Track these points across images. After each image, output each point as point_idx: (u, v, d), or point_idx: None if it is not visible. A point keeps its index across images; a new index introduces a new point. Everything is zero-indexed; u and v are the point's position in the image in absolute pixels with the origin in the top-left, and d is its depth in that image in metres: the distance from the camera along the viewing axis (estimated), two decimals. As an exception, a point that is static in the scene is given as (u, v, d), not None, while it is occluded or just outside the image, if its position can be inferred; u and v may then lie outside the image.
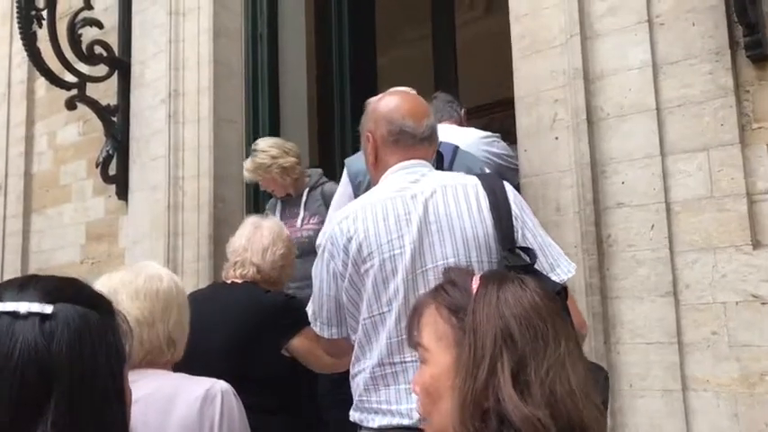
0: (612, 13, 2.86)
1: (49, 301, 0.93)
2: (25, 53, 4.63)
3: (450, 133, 3.17)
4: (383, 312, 1.74)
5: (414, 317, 1.22)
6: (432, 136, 1.96)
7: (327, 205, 3.60)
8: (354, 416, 1.81)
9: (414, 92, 2.09)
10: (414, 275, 1.71)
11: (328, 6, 5.04)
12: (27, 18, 4.42)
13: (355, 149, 4.52)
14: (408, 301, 1.65)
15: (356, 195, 2.60)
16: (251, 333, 2.51)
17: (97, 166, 4.82)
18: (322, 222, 3.59)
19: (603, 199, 2.78)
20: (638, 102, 2.75)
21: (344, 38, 4.96)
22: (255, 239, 2.71)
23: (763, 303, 2.46)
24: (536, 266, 1.67)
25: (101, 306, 1.00)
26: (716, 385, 2.51)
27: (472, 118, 4.28)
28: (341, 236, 1.80)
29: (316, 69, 5.31)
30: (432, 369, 1.15)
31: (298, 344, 2.55)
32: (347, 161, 2.79)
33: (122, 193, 4.85)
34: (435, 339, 1.15)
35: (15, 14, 4.55)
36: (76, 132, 5.46)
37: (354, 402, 1.82)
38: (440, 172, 1.98)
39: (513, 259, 1.67)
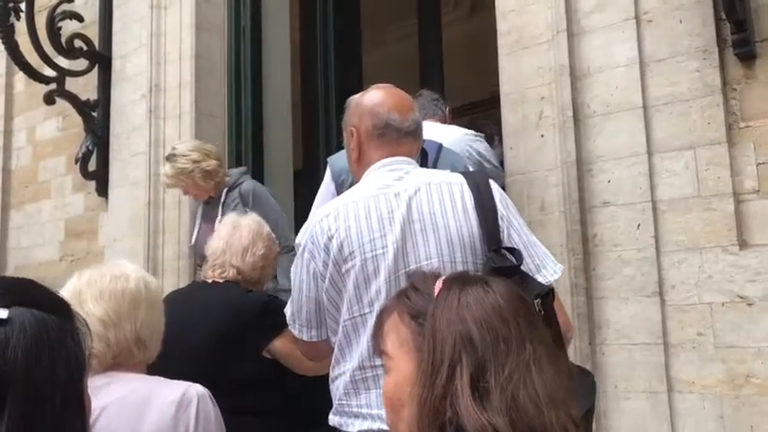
0: (600, 9, 2.83)
1: (4, 305, 0.88)
2: (2, 46, 4.53)
3: (434, 131, 3.13)
4: (364, 314, 1.68)
5: (378, 323, 1.18)
6: (417, 131, 1.90)
7: (245, 204, 3.57)
8: (334, 420, 1.75)
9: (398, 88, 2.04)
10: (396, 276, 1.65)
11: (313, 1, 4.99)
12: (4, 10, 4.33)
13: (340, 146, 4.46)
14: None
15: (339, 194, 2.55)
16: (232, 334, 2.46)
17: (77, 162, 4.74)
18: None
19: (589, 198, 2.75)
20: (625, 99, 2.72)
21: (329, 34, 4.91)
22: (234, 240, 2.65)
23: (750, 304, 2.44)
24: (522, 267, 1.63)
25: (59, 310, 0.94)
26: (701, 387, 2.49)
27: (458, 116, 4.25)
28: (321, 234, 1.74)
29: (300, 65, 5.25)
30: (394, 377, 1.12)
31: (279, 345, 2.50)
32: (330, 159, 2.74)
33: (102, 189, 4.77)
34: (398, 346, 1.12)
35: (-8, 6, 4.45)
36: (56, 128, 5.38)
37: (334, 406, 1.76)
38: (424, 169, 1.92)
39: (499, 260, 1.62)
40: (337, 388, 1.74)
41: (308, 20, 5.13)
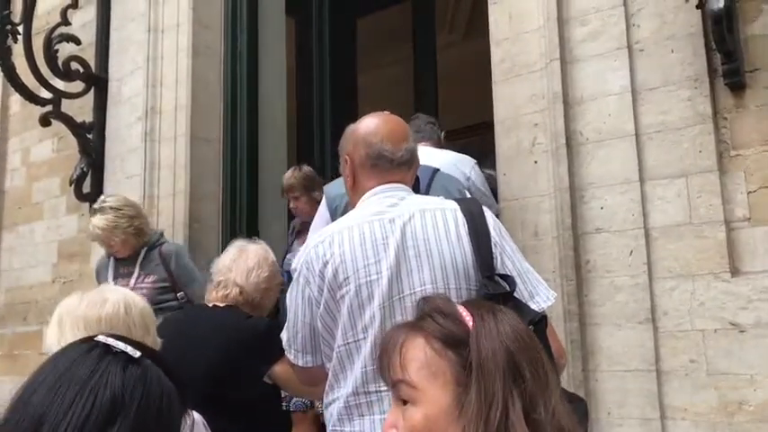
0: (593, 38, 2.87)
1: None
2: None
3: (428, 154, 3.15)
4: (358, 340, 1.68)
5: (391, 349, 1.10)
6: (411, 160, 1.91)
7: (166, 266, 3.59)
8: None
9: (394, 115, 2.05)
10: (390, 302, 1.66)
11: (309, 26, 5.04)
12: (2, 33, 4.35)
13: (335, 169, 4.49)
14: (385, 329, 1.59)
15: (333, 220, 2.57)
16: (232, 358, 2.45)
17: (71, 184, 4.74)
18: (157, 282, 3.56)
19: (582, 224, 2.77)
20: (617, 127, 2.75)
21: (325, 58, 4.96)
22: (240, 261, 2.66)
23: (742, 331, 2.45)
24: (515, 294, 1.64)
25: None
26: (694, 414, 2.49)
27: (452, 140, 4.28)
28: (317, 260, 1.75)
29: (296, 89, 5.29)
30: (426, 409, 1.02)
31: (280, 370, 2.49)
32: (325, 188, 2.76)
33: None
34: (428, 376, 1.03)
35: (-10, 29, 4.48)
36: (51, 149, 5.39)
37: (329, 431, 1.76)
38: (419, 196, 1.93)
39: (493, 287, 1.63)
40: (331, 414, 1.74)
41: (304, 44, 5.19)
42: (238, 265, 2.64)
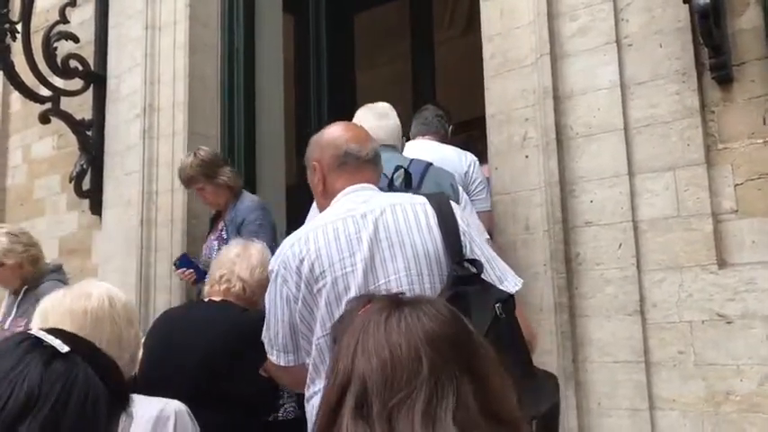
0: (582, 33, 2.89)
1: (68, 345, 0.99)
2: (-1, 66, 4.59)
3: (425, 149, 3.17)
4: None
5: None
6: (375, 159, 2.00)
7: None
8: None
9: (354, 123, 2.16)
10: (367, 291, 1.70)
11: (306, 22, 5.06)
12: (1, 31, 4.39)
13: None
14: None
15: None
16: (227, 352, 2.48)
17: (71, 181, 4.78)
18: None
19: (572, 218, 2.79)
20: (607, 121, 2.77)
21: (322, 54, 4.98)
22: (244, 258, 2.70)
23: (729, 323, 2.48)
24: (484, 277, 1.72)
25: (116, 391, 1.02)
26: (682, 404, 2.52)
27: (452, 134, 4.29)
28: (293, 258, 1.81)
29: (294, 86, 5.32)
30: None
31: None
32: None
33: (96, 208, 4.82)
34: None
35: (-11, 27, 4.51)
36: (51, 146, 5.43)
37: (310, 428, 1.77)
38: (388, 193, 2.02)
39: (462, 270, 1.72)
40: (313, 407, 1.78)
41: (301, 40, 5.21)
42: (242, 261, 2.67)
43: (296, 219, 4.19)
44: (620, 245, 2.68)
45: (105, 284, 1.75)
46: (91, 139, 4.82)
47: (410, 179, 2.41)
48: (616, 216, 2.71)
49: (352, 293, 1.72)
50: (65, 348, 0.97)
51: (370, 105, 2.85)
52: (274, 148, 4.85)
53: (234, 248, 2.76)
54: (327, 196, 1.96)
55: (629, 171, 2.71)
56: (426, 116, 3.54)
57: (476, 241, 1.83)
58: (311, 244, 1.80)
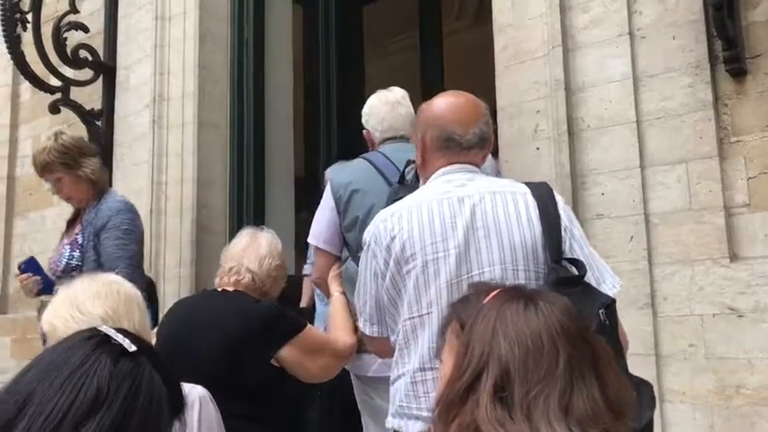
0: (595, 25, 2.88)
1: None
2: (9, 56, 4.59)
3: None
4: (422, 315, 1.70)
5: (440, 331, 1.25)
6: (481, 142, 1.88)
7: None
8: (393, 422, 1.75)
9: (467, 94, 1.96)
10: (459, 280, 1.67)
11: (316, 13, 5.05)
12: (11, 21, 4.39)
13: (341, 156, 4.53)
14: None
15: (338, 209, 2.59)
16: (240, 341, 2.48)
17: (80, 171, 4.78)
18: None
19: (583, 210, 2.79)
20: (619, 114, 2.77)
21: (331, 45, 4.97)
22: (253, 248, 2.69)
23: (740, 316, 2.47)
24: (585, 279, 1.65)
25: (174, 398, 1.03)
26: (692, 397, 2.52)
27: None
28: (384, 234, 1.77)
29: (303, 76, 5.31)
30: (440, 378, 1.18)
31: (286, 354, 2.52)
32: (330, 172, 2.77)
33: (105, 197, 4.82)
34: (447, 351, 1.17)
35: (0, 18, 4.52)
36: (60, 136, 5.43)
37: (394, 408, 1.76)
38: (488, 177, 1.92)
39: (563, 271, 1.65)
40: (397, 390, 1.75)
41: (311, 31, 5.20)
42: (250, 253, 2.67)
43: (305, 204, 4.21)
44: (632, 238, 2.68)
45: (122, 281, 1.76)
46: (100, 129, 4.82)
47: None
48: (627, 209, 2.70)
49: (442, 280, 1.68)
50: (133, 348, 0.98)
51: (384, 92, 2.77)
52: (283, 139, 4.85)
53: (243, 239, 2.75)
54: (426, 171, 1.90)
55: (641, 164, 2.70)
56: None
57: (576, 238, 1.73)
58: (404, 222, 1.75)
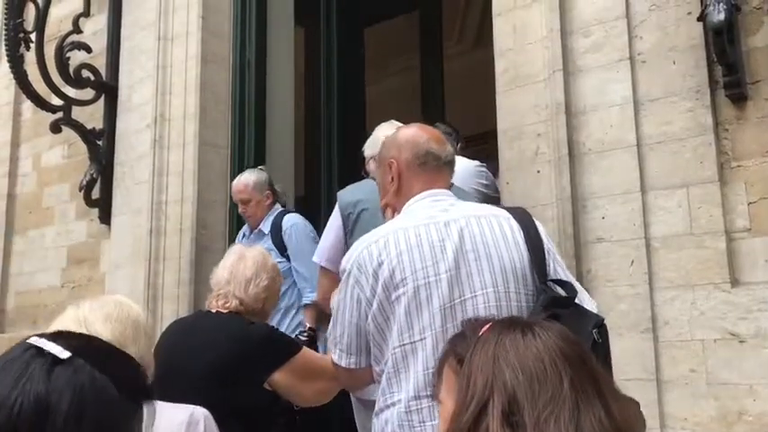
0: (595, 49, 2.90)
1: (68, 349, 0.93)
2: (12, 75, 4.61)
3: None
4: (415, 341, 1.66)
5: (437, 371, 1.27)
6: (452, 162, 1.93)
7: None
8: None
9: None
10: (452, 305, 1.65)
11: (318, 35, 5.08)
12: (14, 41, 4.42)
13: (341, 177, 4.54)
14: (447, 331, 1.61)
15: (345, 228, 2.59)
16: (232, 364, 2.47)
17: (80, 190, 4.80)
18: None
19: (584, 233, 2.79)
20: (619, 138, 2.77)
21: (333, 66, 4.99)
22: (239, 271, 2.67)
23: (741, 341, 2.46)
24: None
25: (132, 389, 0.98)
26: (694, 424, 2.50)
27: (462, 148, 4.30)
28: (370, 260, 1.73)
29: (304, 97, 5.33)
30: (441, 418, 1.19)
31: (279, 378, 2.51)
32: (339, 194, 2.77)
33: (105, 216, 4.82)
34: (446, 390, 1.19)
35: (3, 37, 4.55)
36: (61, 155, 5.45)
37: None
38: (468, 202, 1.95)
39: (552, 292, 1.66)
40: (387, 420, 1.70)
41: (313, 53, 5.23)
42: (236, 277, 2.65)
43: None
44: (632, 262, 2.67)
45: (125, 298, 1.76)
46: (101, 148, 4.83)
47: None
48: (628, 233, 2.70)
49: (435, 305, 1.65)
50: (65, 354, 0.92)
51: (384, 124, 2.84)
52: (284, 160, 4.86)
53: (228, 261, 2.72)
54: (402, 196, 1.88)
55: (642, 188, 2.70)
56: None
57: (558, 261, 1.77)
58: (392, 247, 1.72)
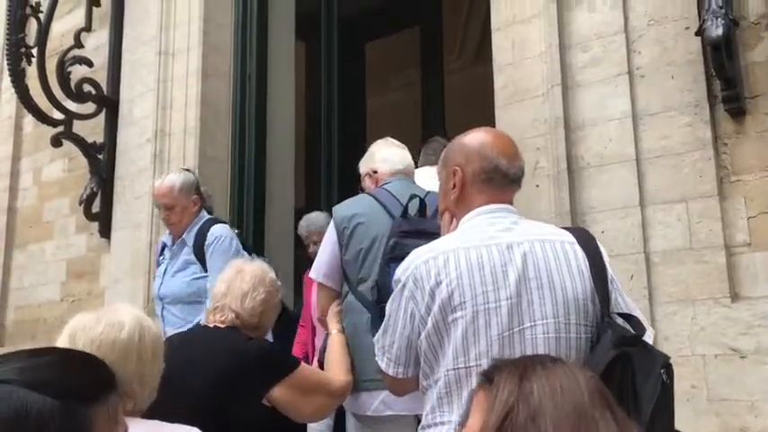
0: (594, 64, 2.90)
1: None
2: (13, 89, 4.63)
3: (432, 175, 3.18)
4: (470, 366, 1.62)
5: (470, 399, 1.33)
6: (521, 178, 1.81)
7: None
8: None
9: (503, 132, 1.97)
10: (510, 333, 1.60)
11: (319, 50, 5.10)
12: (16, 55, 4.44)
13: (341, 191, 4.54)
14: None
15: (340, 242, 2.57)
16: (231, 380, 2.46)
17: (81, 204, 4.80)
18: None
19: (583, 248, 2.77)
20: (618, 152, 2.77)
21: (334, 81, 5.01)
22: (236, 285, 2.66)
23: (742, 357, 2.44)
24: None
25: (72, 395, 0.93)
26: (695, 440, 2.48)
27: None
28: (427, 276, 1.67)
29: (305, 112, 5.35)
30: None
31: (278, 394, 2.49)
32: (335, 209, 2.76)
33: (105, 230, 4.82)
34: (474, 406, 1.24)
35: (5, 51, 4.57)
36: (61, 169, 5.46)
37: None
38: (533, 222, 1.83)
39: (618, 327, 1.59)
40: None
41: (313, 67, 5.25)
42: (233, 291, 2.64)
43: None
44: (632, 276, 2.66)
45: (138, 312, 1.72)
46: (101, 162, 4.84)
47: (425, 209, 2.39)
48: (627, 247, 2.69)
49: (494, 333, 1.60)
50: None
51: (381, 140, 2.81)
52: (284, 174, 4.86)
53: (227, 275, 2.71)
54: (462, 207, 1.78)
55: (641, 202, 2.70)
56: (435, 147, 3.57)
57: (620, 291, 1.69)
58: (451, 267, 1.65)
